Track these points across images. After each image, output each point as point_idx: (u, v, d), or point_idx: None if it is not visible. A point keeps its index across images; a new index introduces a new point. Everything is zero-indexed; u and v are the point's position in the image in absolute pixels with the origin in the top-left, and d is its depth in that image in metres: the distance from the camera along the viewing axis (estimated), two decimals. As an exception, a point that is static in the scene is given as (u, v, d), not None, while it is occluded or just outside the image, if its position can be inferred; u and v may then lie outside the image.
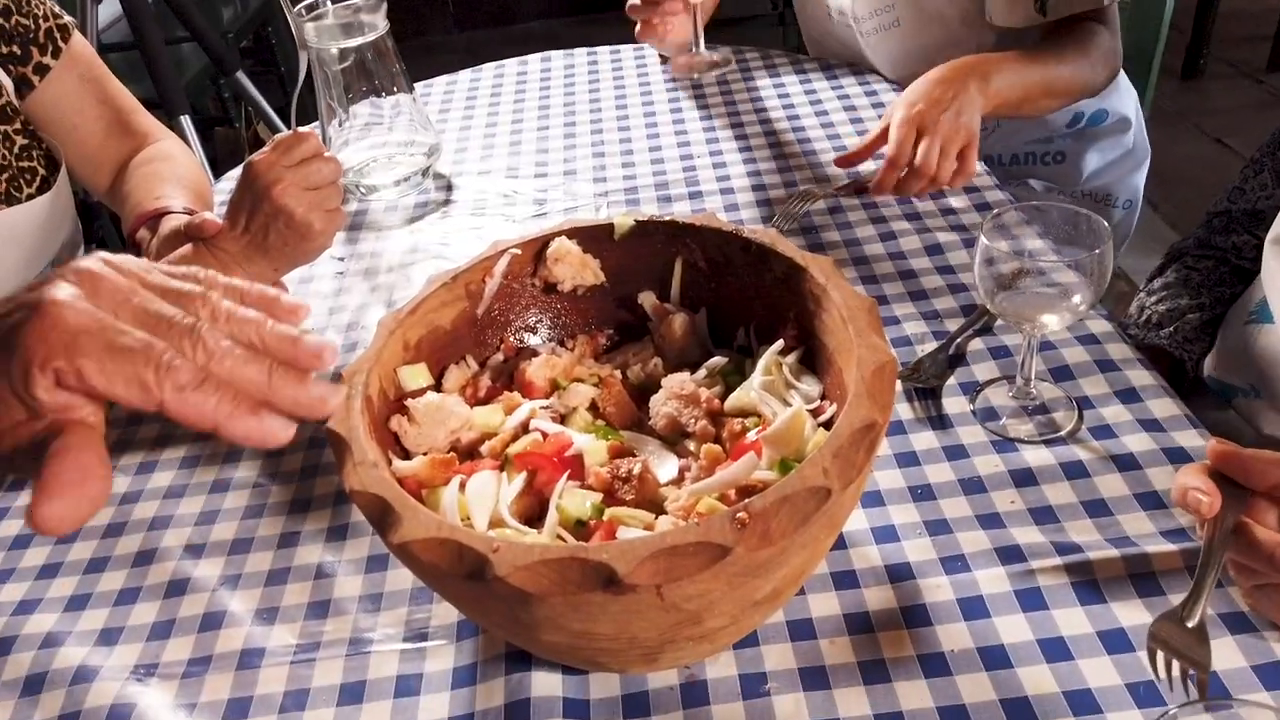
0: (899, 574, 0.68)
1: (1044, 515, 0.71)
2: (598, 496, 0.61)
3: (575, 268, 0.76)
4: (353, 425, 0.60)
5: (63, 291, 0.40)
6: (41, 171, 1.07)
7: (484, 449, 0.67)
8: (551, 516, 0.59)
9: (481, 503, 0.61)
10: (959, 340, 0.88)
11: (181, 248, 0.92)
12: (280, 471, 0.84)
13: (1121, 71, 1.29)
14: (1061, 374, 0.83)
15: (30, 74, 1.07)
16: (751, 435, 0.64)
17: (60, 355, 0.38)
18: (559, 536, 0.59)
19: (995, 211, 0.77)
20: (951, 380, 0.85)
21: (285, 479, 0.83)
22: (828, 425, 0.63)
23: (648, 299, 0.78)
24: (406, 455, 0.66)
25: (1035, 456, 0.76)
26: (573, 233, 0.76)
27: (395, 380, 0.68)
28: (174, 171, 1.13)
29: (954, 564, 0.68)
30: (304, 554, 0.76)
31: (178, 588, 0.74)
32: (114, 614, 0.73)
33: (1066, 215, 0.75)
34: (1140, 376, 0.81)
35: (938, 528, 0.71)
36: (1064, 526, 0.70)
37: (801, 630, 0.65)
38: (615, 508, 0.60)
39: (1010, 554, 0.68)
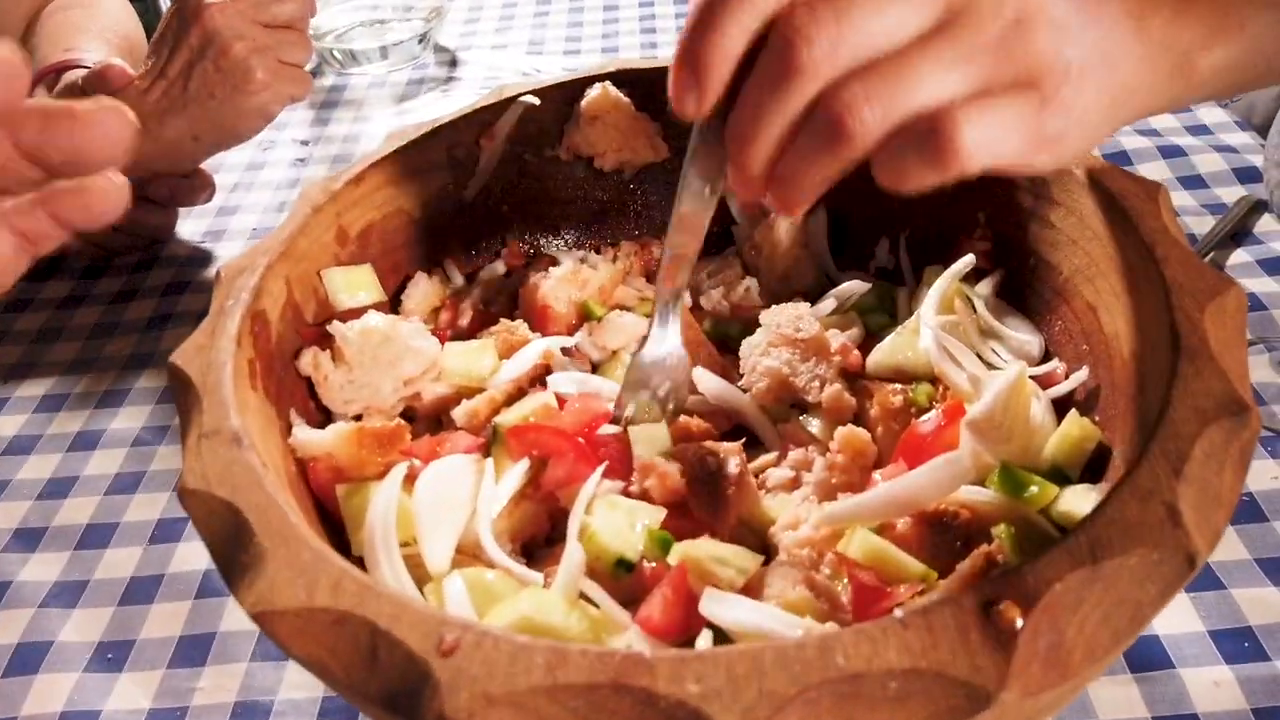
0: (1147, 658, 0.41)
1: (1374, 566, 0.44)
2: (659, 514, 0.34)
3: (623, 133, 0.52)
4: (216, 360, 0.32)
5: None
6: None
7: (458, 414, 0.39)
8: (574, 553, 0.31)
9: (442, 514, 0.33)
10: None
11: None
12: (174, 423, 0.57)
13: None
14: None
15: None
16: (930, 416, 0.36)
17: None
18: (583, 595, 0.31)
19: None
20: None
21: (178, 434, 0.56)
22: (1071, 406, 0.36)
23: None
24: (327, 417, 0.39)
25: (1334, 466, 0.48)
26: (621, 77, 0.49)
27: (318, 289, 0.40)
28: (95, 21, 0.89)
29: (1234, 643, 0.42)
30: (186, 555, 0.50)
31: (-13, 597, 0.48)
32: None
33: None
34: None
35: (1198, 578, 0.44)
36: None
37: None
38: (692, 541, 0.32)
39: (1335, 633, 0.41)
